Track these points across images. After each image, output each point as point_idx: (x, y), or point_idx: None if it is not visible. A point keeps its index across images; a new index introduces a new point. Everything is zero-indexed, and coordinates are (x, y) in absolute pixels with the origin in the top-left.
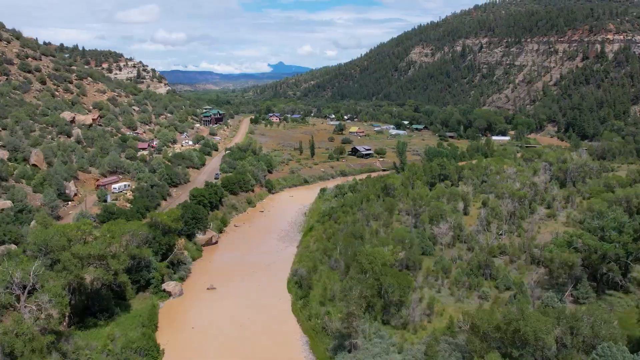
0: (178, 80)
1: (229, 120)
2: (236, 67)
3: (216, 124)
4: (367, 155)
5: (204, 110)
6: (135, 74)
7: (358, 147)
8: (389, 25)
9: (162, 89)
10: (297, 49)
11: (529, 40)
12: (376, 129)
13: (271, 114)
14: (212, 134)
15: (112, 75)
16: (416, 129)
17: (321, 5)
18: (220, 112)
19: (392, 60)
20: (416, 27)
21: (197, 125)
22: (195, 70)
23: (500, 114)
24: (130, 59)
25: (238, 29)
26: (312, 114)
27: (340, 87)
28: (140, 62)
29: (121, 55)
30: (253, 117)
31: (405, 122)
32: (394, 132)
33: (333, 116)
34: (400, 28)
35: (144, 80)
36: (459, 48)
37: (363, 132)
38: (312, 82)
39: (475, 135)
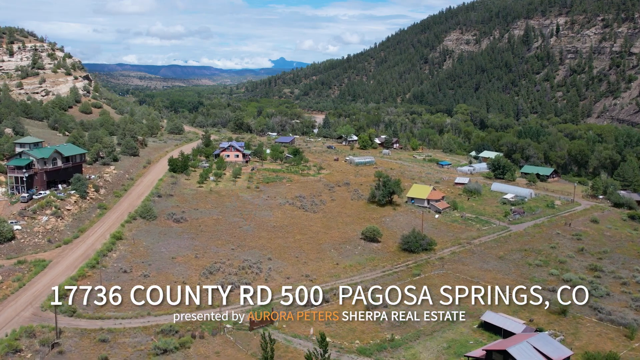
0: (176, 76)
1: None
2: (237, 62)
3: (51, 188)
4: None
5: (18, 150)
6: (31, 61)
7: None
8: (393, 22)
9: (66, 84)
10: (299, 44)
11: None
12: (445, 166)
13: (228, 146)
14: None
15: None
16: (538, 175)
17: (326, 1)
18: (71, 151)
19: (418, 50)
20: (444, 10)
21: None
22: (195, 65)
23: None
24: (40, 38)
25: (242, 25)
26: (316, 129)
27: (351, 85)
28: (53, 43)
29: (29, 34)
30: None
31: (488, 156)
32: (505, 190)
33: (354, 138)
34: (404, 25)
35: (41, 71)
36: (518, 32)
37: (443, 201)
38: (314, 78)
39: None
